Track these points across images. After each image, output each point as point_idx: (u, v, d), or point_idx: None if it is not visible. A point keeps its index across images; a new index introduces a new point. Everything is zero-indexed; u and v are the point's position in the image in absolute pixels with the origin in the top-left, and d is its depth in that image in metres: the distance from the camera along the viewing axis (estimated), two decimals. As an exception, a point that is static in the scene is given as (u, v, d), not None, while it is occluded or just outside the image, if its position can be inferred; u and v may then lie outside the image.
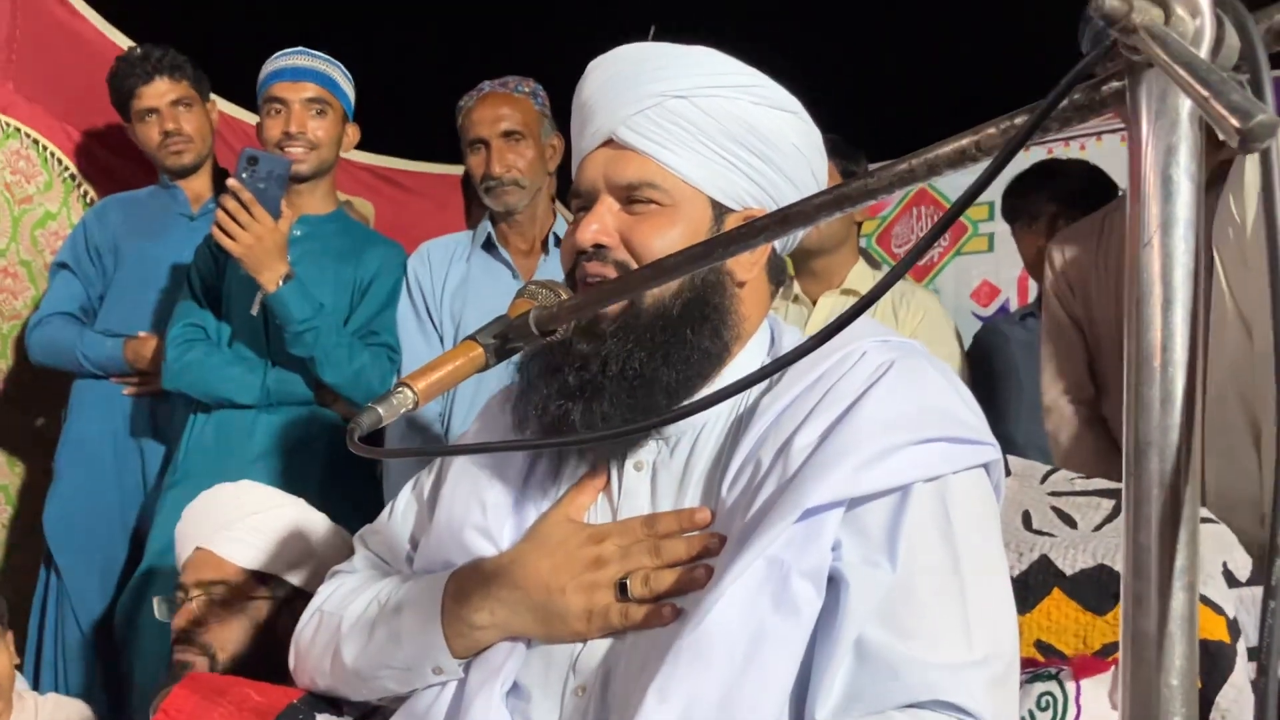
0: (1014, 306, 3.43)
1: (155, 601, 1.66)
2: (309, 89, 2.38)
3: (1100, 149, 3.51)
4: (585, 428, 1.03)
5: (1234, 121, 0.43)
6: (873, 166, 2.76)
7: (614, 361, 1.03)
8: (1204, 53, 0.49)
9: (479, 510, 1.13)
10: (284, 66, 2.40)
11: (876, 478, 0.94)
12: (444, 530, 1.15)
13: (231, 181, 2.16)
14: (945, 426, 0.98)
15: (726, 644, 0.91)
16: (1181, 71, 0.46)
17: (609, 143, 1.08)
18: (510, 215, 2.38)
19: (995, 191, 2.72)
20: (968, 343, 2.67)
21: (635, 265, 1.05)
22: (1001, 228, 2.98)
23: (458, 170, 3.63)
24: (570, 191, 1.15)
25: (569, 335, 1.04)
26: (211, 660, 1.55)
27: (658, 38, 3.55)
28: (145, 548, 2.34)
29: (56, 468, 2.66)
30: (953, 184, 3.50)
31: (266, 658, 1.61)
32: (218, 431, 2.31)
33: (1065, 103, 0.57)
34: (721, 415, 1.08)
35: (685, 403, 0.98)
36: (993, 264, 3.50)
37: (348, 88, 2.48)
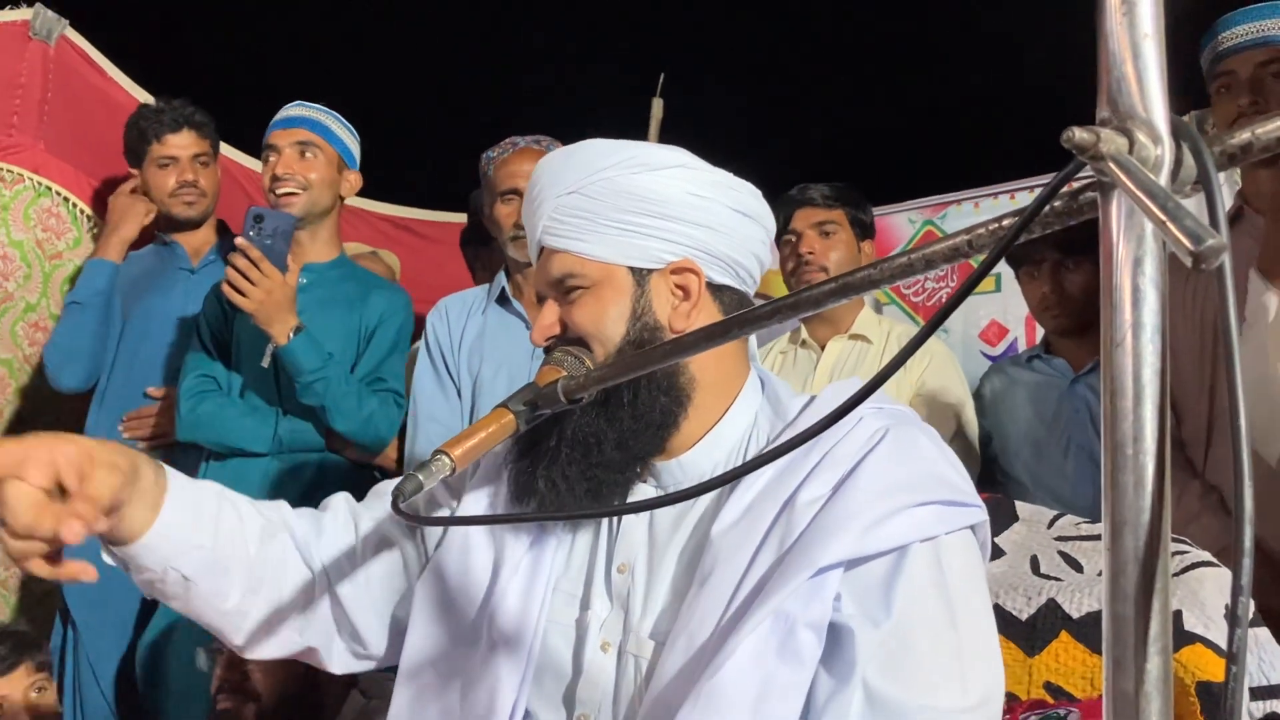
0: (1023, 346, 3.46)
1: (199, 652, 1.72)
2: (298, 134, 2.48)
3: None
4: (549, 491, 1.14)
5: (1188, 244, 0.49)
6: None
7: (568, 426, 1.14)
8: (1164, 175, 0.55)
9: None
10: (280, 118, 2.52)
11: (881, 539, 1.01)
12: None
13: (240, 240, 2.26)
14: (939, 491, 1.06)
15: (740, 692, 0.98)
16: (1143, 197, 0.52)
17: (541, 251, 1.21)
18: (530, 265, 2.44)
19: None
20: (974, 383, 2.71)
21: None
22: (1009, 269, 3.02)
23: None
24: None
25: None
26: (257, 706, 1.61)
27: (665, 87, 3.61)
28: (160, 600, 2.38)
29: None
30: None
31: (303, 699, 1.67)
32: (229, 479, 2.33)
33: (1046, 209, 0.64)
34: (719, 463, 1.16)
35: (706, 479, 1.03)
36: (1000, 304, 3.54)
37: (342, 133, 2.55)
